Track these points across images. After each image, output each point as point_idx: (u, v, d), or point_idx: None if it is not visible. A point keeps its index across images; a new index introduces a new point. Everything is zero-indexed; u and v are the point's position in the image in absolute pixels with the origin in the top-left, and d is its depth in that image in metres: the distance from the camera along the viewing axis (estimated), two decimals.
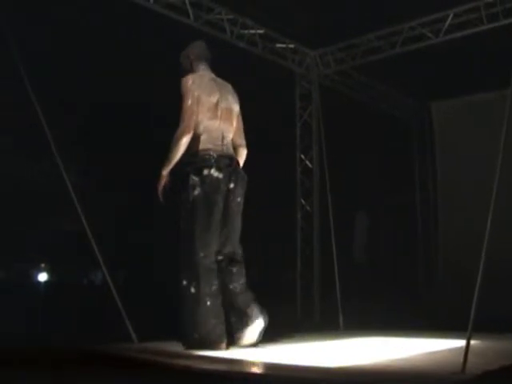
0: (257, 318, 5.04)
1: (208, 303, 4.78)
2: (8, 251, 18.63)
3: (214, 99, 5.09)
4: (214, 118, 5.07)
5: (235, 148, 5.33)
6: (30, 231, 17.50)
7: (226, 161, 5.03)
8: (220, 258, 5.02)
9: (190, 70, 5.29)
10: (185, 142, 4.92)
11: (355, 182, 12.11)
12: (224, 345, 4.78)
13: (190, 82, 5.06)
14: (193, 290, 4.78)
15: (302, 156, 10.21)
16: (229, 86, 5.39)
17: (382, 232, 13.68)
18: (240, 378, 3.34)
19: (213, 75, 5.35)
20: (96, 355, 4.01)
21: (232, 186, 5.05)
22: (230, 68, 10.18)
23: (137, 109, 10.22)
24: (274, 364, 4.14)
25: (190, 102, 4.97)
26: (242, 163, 5.36)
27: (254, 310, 5.06)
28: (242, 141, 5.40)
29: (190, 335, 4.78)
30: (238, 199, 5.13)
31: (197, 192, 4.89)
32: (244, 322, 5.02)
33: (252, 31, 9.21)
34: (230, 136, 5.23)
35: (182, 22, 8.39)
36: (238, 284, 5.10)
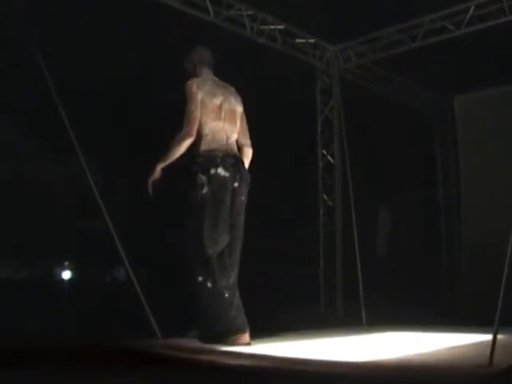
0: (242, 328, 5.04)
1: (226, 295, 4.92)
2: (32, 250, 18.81)
3: (217, 101, 5.24)
4: (218, 119, 5.21)
5: (240, 148, 5.45)
6: (53, 230, 17.65)
7: (232, 160, 5.15)
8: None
9: (194, 74, 5.41)
10: (186, 145, 5.08)
11: (377, 176, 12.06)
12: (247, 335, 4.89)
13: (194, 86, 5.20)
14: (209, 284, 4.90)
15: (324, 151, 10.18)
16: (231, 89, 5.52)
17: (404, 227, 13.61)
18: (264, 373, 3.34)
19: (216, 78, 5.48)
20: (121, 352, 4.03)
21: (236, 184, 5.16)
22: (251, 64, 10.25)
23: (161, 108, 10.25)
24: (298, 359, 4.13)
25: (193, 106, 5.12)
26: (247, 163, 5.49)
27: (242, 319, 5.09)
28: (246, 140, 5.50)
29: (211, 329, 4.89)
30: (242, 198, 5.24)
31: (205, 191, 5.01)
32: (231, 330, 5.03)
33: (272, 27, 9.19)
34: (234, 136, 5.35)
35: (202, 19, 8.40)
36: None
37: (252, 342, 4.88)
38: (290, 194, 12.56)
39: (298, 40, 9.64)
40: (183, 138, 5.07)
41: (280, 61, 9.70)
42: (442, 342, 5.22)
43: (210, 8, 8.38)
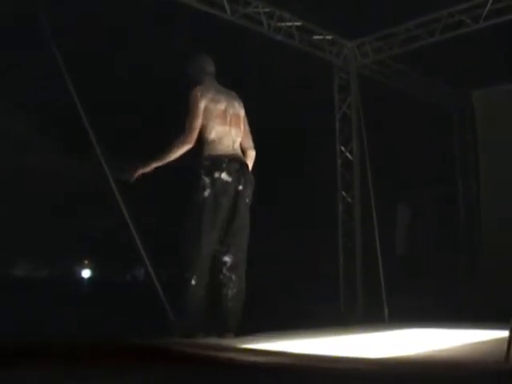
0: (231, 330, 5.26)
1: (203, 293, 5.20)
2: (52, 249, 18.93)
3: (222, 106, 5.42)
4: (224, 123, 5.39)
5: (244, 151, 5.63)
6: (73, 229, 17.76)
7: (237, 165, 5.33)
8: (225, 260, 5.32)
9: (196, 82, 5.53)
10: (182, 151, 5.31)
11: (396, 172, 12.01)
12: (206, 332, 5.15)
13: (198, 94, 5.37)
14: (193, 282, 5.15)
15: (342, 148, 10.14)
16: (234, 94, 5.69)
17: (423, 223, 13.55)
18: (283, 369, 3.33)
19: (217, 85, 5.62)
20: (140, 349, 4.03)
21: (241, 187, 5.34)
22: (268, 62, 10.24)
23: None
24: (320, 356, 4.12)
25: (194, 115, 5.30)
26: (251, 165, 5.66)
27: (232, 322, 5.31)
28: (250, 143, 5.70)
29: (182, 321, 5.18)
30: (247, 200, 5.41)
31: (207, 193, 5.21)
32: (222, 325, 5.29)
33: (289, 24, 9.17)
34: (238, 140, 5.53)
35: (219, 17, 8.40)
36: (232, 291, 5.33)
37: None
38: (308, 192, 12.53)
39: (315, 37, 9.61)
40: (181, 145, 5.29)
41: (297, 58, 9.68)
42: (461, 339, 5.20)
43: (227, 6, 8.38)
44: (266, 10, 8.83)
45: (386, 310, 8.18)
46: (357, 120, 9.88)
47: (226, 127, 5.37)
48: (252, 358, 3.74)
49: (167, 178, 5.76)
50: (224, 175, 5.20)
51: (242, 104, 5.66)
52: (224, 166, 5.22)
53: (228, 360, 3.60)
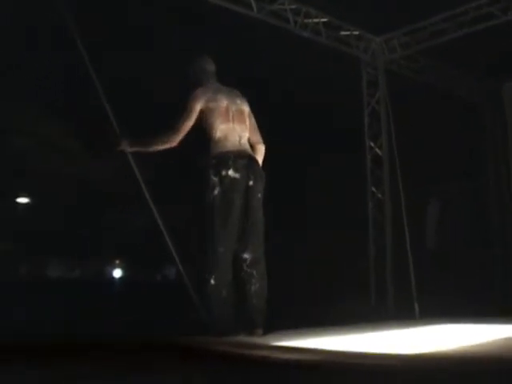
0: (258, 327, 5.27)
1: (224, 293, 5.16)
2: (83, 250, 19.11)
3: (223, 104, 5.41)
4: (227, 121, 5.38)
5: (253, 146, 5.62)
6: (104, 230, 17.90)
7: (243, 161, 5.30)
8: (245, 257, 5.32)
9: (197, 83, 5.56)
10: (165, 147, 5.38)
11: (425, 167, 11.93)
12: (234, 332, 5.12)
13: (197, 95, 5.40)
14: (212, 281, 5.13)
15: (372, 143, 10.11)
16: (236, 91, 5.67)
17: (454, 217, 13.45)
18: (316, 367, 3.33)
19: (218, 84, 5.64)
20: (173, 348, 4.06)
21: (251, 183, 5.31)
22: (296, 58, 10.23)
23: None
24: (350, 352, 4.11)
25: (186, 117, 5.34)
26: (261, 160, 5.65)
27: (259, 318, 5.32)
28: (258, 138, 5.69)
29: (208, 322, 5.14)
30: (258, 195, 5.39)
31: (216, 192, 5.20)
32: (250, 322, 5.30)
33: (316, 20, 9.16)
34: (245, 135, 5.51)
35: (246, 15, 8.41)
36: (256, 287, 5.34)
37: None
38: (338, 187, 12.50)
39: (343, 32, 9.60)
40: (164, 144, 5.38)
41: (325, 54, 9.66)
42: (493, 334, 5.15)
43: (253, 3, 8.39)
44: (293, 6, 8.83)
45: (417, 306, 8.13)
46: (385, 115, 9.84)
47: (230, 124, 5.37)
48: (285, 356, 3.74)
49: (199, 176, 5.77)
50: (231, 172, 5.19)
51: (245, 100, 5.65)
52: (230, 162, 5.21)
53: (261, 358, 3.61)
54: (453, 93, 11.51)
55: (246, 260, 5.29)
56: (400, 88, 10.21)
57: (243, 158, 5.31)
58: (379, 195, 9.97)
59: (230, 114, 5.40)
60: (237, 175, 5.21)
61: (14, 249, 18.71)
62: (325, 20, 9.23)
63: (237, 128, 5.41)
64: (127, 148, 5.55)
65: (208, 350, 3.94)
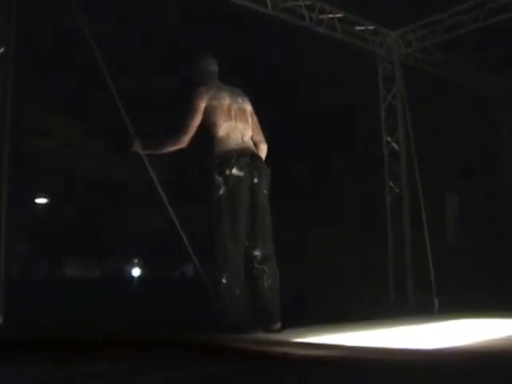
0: (276, 321, 5.28)
1: (237, 292, 5.15)
2: (102, 250, 19.20)
3: (225, 102, 5.44)
4: (229, 119, 5.40)
5: (255, 145, 5.62)
6: (123, 229, 17.99)
7: (246, 159, 5.31)
8: (255, 254, 5.32)
9: (199, 83, 5.57)
10: (174, 149, 5.42)
11: (443, 162, 11.88)
12: (252, 329, 5.11)
13: (200, 94, 5.41)
14: (224, 281, 5.13)
15: (389, 138, 10.07)
16: (238, 90, 5.69)
17: (473, 211, 13.39)
18: (337, 363, 3.33)
19: (220, 84, 5.65)
20: (193, 345, 4.07)
21: (256, 180, 5.33)
22: (311, 55, 10.21)
23: None
24: (371, 348, 4.11)
25: (192, 116, 5.36)
26: (263, 157, 5.65)
27: (275, 312, 5.32)
28: (260, 137, 5.69)
29: (224, 321, 5.08)
30: (264, 192, 5.41)
31: (221, 191, 5.22)
32: (266, 318, 5.30)
33: (330, 15, 9.12)
34: (248, 134, 5.53)
35: (260, 12, 8.41)
36: (268, 282, 5.33)
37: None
38: (356, 183, 12.49)
39: (358, 27, 9.55)
40: (173, 145, 5.41)
41: (340, 50, 9.63)
42: None
43: (268, 0, 8.38)
44: (307, 2, 8.80)
45: (436, 301, 8.11)
46: (402, 110, 9.80)
47: (232, 122, 5.39)
48: (306, 352, 3.75)
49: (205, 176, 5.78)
50: (235, 170, 5.20)
51: (247, 99, 5.66)
52: (233, 161, 5.22)
53: (282, 354, 3.62)
54: (469, 86, 11.43)
55: (256, 257, 5.31)
56: (416, 82, 10.16)
57: (246, 155, 5.33)
58: (397, 190, 9.93)
59: (232, 113, 5.43)
60: (241, 173, 5.23)
61: (34, 249, 18.85)
62: (340, 15, 9.19)
63: (239, 126, 5.43)
64: (139, 150, 5.60)
65: (228, 347, 3.95)
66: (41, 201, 19.44)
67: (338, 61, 9.80)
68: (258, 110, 5.68)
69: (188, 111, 5.36)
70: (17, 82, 6.68)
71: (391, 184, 9.97)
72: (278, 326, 5.22)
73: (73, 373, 2.94)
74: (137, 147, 5.57)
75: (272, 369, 3.16)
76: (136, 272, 23.37)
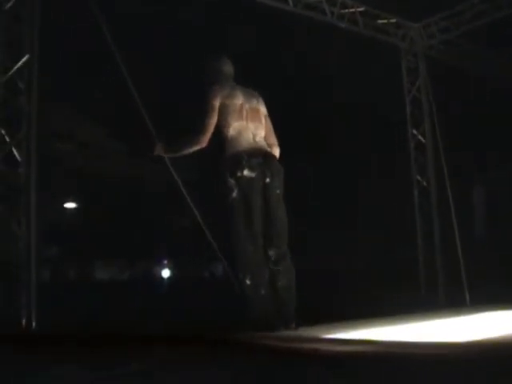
0: (291, 321, 5.23)
1: (262, 292, 5.17)
2: (131, 252, 19.31)
3: (238, 102, 5.44)
4: (240, 119, 5.40)
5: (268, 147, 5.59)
6: (151, 231, 18.07)
7: (258, 159, 5.30)
8: (270, 253, 5.31)
9: (214, 82, 5.57)
10: (194, 149, 5.42)
11: (470, 153, 11.78)
12: (278, 327, 5.10)
13: (214, 93, 5.41)
14: (248, 282, 5.15)
15: (414, 131, 9.99)
16: (253, 92, 5.68)
17: (502, 203, 13.25)
18: (368, 358, 3.31)
19: (235, 84, 5.63)
20: (224, 343, 4.08)
21: (268, 180, 5.31)
22: (333, 50, 10.18)
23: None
24: (402, 342, 4.09)
25: (209, 115, 5.36)
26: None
27: (289, 312, 5.29)
28: (273, 140, 5.66)
29: (251, 321, 5.09)
30: (277, 191, 5.39)
31: (235, 194, 5.24)
32: (282, 317, 5.26)
33: (352, 10, 9.08)
34: (260, 133, 5.51)
35: (282, 9, 8.40)
36: (283, 282, 5.32)
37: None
38: (383, 177, 12.44)
39: (380, 21, 9.49)
40: (193, 145, 5.41)
41: (363, 44, 9.59)
42: None
43: None
44: None
45: (468, 294, 8.04)
46: (427, 102, 9.72)
47: (243, 122, 5.39)
48: (337, 348, 3.74)
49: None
50: (246, 172, 5.21)
51: (261, 101, 5.65)
52: (244, 162, 5.22)
53: (312, 351, 3.61)
54: (492, 77, 11.30)
55: (270, 257, 5.30)
56: (441, 74, 10.07)
57: (258, 156, 5.31)
58: (424, 183, 9.85)
59: (244, 112, 5.41)
60: (253, 174, 5.23)
61: (63, 253, 19.01)
62: (361, 9, 9.14)
63: (250, 126, 5.42)
64: (162, 153, 5.62)
65: (258, 344, 3.95)
66: (70, 205, 19.61)
67: (361, 55, 9.75)
68: (279, 106, 5.68)
69: (204, 111, 5.38)
70: (42, 87, 6.75)
71: (418, 177, 9.90)
72: (293, 325, 5.19)
73: (112, 372, 2.97)
74: (159, 151, 5.60)
75: (303, 365, 3.15)
76: (166, 273, 23.47)
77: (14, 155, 6.52)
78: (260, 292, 5.15)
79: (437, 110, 9.25)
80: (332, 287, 10.51)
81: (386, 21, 9.56)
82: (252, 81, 5.67)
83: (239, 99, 5.44)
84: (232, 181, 5.22)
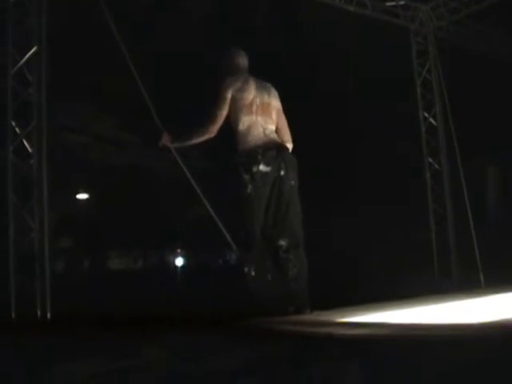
0: (305, 307, 5.23)
1: (269, 278, 5.26)
2: (145, 241, 19.36)
3: (249, 96, 5.39)
4: (249, 113, 5.37)
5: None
6: (164, 220, 18.11)
7: (273, 152, 5.30)
8: (280, 243, 5.31)
9: (228, 73, 5.55)
10: (203, 139, 5.43)
11: (482, 135, 11.70)
12: (290, 312, 5.12)
13: (226, 85, 5.40)
14: (253, 273, 5.22)
15: (426, 114, 9.93)
16: (267, 84, 5.63)
17: None
18: (382, 341, 3.31)
19: (248, 76, 5.58)
20: (239, 328, 4.10)
21: (283, 172, 5.32)
22: (343, 34, 10.12)
23: None
24: (416, 324, 4.08)
25: (219, 105, 5.35)
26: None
27: (301, 300, 5.28)
28: (287, 137, 5.65)
29: (261, 307, 5.09)
30: (292, 183, 5.38)
31: (249, 190, 5.24)
32: (295, 305, 5.26)
33: None
34: (270, 127, 5.48)
35: None
36: (293, 272, 5.32)
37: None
38: (395, 161, 12.40)
39: (388, 3, 9.43)
40: (202, 135, 5.40)
41: (372, 27, 9.54)
42: None
43: None
44: None
45: (482, 275, 8.02)
46: (438, 84, 9.66)
47: (253, 116, 5.36)
48: (351, 331, 3.73)
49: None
50: (262, 167, 5.21)
51: (275, 95, 5.61)
52: (260, 157, 5.22)
53: (327, 335, 3.60)
54: (504, 56, 11.18)
55: (281, 246, 5.30)
56: (451, 55, 10.00)
57: (271, 149, 5.31)
58: (436, 166, 9.81)
59: (254, 107, 5.38)
60: (268, 169, 5.23)
61: (76, 244, 19.10)
62: None
63: (260, 120, 5.39)
64: (168, 143, 5.60)
65: (271, 329, 3.96)
66: (82, 196, 19.67)
67: (371, 38, 9.70)
68: (292, 91, 5.63)
69: (215, 101, 5.37)
70: (50, 78, 6.76)
71: (430, 160, 9.86)
72: (307, 311, 5.19)
73: (126, 363, 2.97)
74: (165, 140, 5.58)
75: (318, 349, 3.15)
76: (179, 262, 23.52)
77: (25, 147, 6.55)
78: (267, 278, 5.23)
79: (448, 91, 9.19)
80: (347, 272, 10.52)
81: (394, 3, 9.50)
82: (264, 66, 5.64)
83: (250, 93, 5.40)
84: (246, 176, 5.22)
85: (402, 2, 9.57)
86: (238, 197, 5.29)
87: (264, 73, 5.62)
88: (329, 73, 11.65)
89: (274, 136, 5.46)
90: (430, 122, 9.89)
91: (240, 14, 9.68)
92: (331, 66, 11.58)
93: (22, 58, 6.57)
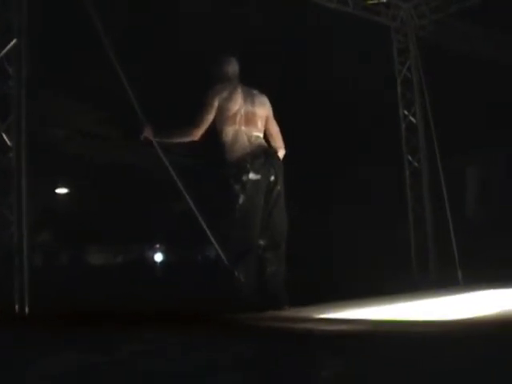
0: (283, 305, 5.26)
1: (252, 280, 5.22)
2: (125, 236, 19.30)
3: (235, 106, 5.39)
4: (233, 123, 5.36)
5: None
6: (143, 215, 18.07)
7: (260, 160, 5.30)
8: (260, 243, 5.35)
9: (217, 82, 5.55)
10: (185, 140, 5.46)
11: (462, 134, 11.77)
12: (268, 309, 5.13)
13: (214, 92, 5.41)
14: (243, 279, 5.19)
15: (405, 112, 9.98)
16: (256, 93, 5.61)
17: (494, 185, 13.28)
18: (361, 337, 3.32)
19: (238, 86, 5.57)
20: (218, 324, 4.09)
21: (273, 178, 5.33)
22: (323, 31, 10.14)
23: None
24: (394, 321, 4.11)
25: (205, 111, 5.36)
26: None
27: (279, 298, 5.31)
28: (279, 143, 5.66)
29: (241, 303, 5.08)
30: (278, 187, 5.39)
31: (241, 200, 5.23)
32: (273, 302, 5.29)
33: None
34: (255, 134, 5.45)
35: None
36: (271, 269, 5.36)
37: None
38: (374, 158, 12.43)
39: (370, 1, 9.44)
40: (185, 136, 5.43)
41: (353, 24, 9.56)
42: None
43: None
44: None
45: (460, 273, 8.08)
46: (418, 83, 9.70)
47: (236, 126, 5.36)
48: (330, 327, 3.75)
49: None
50: (252, 175, 5.21)
51: (264, 104, 5.59)
52: (248, 166, 5.22)
53: (306, 331, 3.62)
54: (487, 56, 11.26)
55: (260, 246, 5.33)
56: (432, 54, 10.05)
57: (259, 156, 5.30)
58: (415, 164, 9.86)
59: (238, 117, 5.38)
60: (258, 176, 5.24)
61: (55, 239, 19.00)
62: None
63: (244, 129, 5.38)
64: (150, 136, 5.57)
65: (251, 326, 3.96)
66: (62, 190, 19.57)
67: (352, 36, 9.72)
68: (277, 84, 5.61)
69: (202, 107, 5.37)
70: (30, 71, 6.72)
71: (409, 158, 9.91)
72: (286, 308, 5.22)
73: (109, 356, 2.96)
74: (147, 133, 5.55)
75: (297, 345, 3.15)
76: (158, 257, 23.49)
77: (4, 140, 6.51)
78: (252, 280, 5.21)
79: (428, 90, 9.23)
80: (322, 268, 10.55)
81: (376, 1, 9.52)
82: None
83: (236, 103, 5.39)
84: (237, 187, 5.23)
85: (383, 0, 9.59)
86: (231, 207, 5.28)
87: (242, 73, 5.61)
88: (305, 71, 11.68)
89: (259, 141, 5.45)
90: (410, 120, 9.94)
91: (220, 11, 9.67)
92: (308, 65, 11.62)
93: (1, 51, 6.52)
